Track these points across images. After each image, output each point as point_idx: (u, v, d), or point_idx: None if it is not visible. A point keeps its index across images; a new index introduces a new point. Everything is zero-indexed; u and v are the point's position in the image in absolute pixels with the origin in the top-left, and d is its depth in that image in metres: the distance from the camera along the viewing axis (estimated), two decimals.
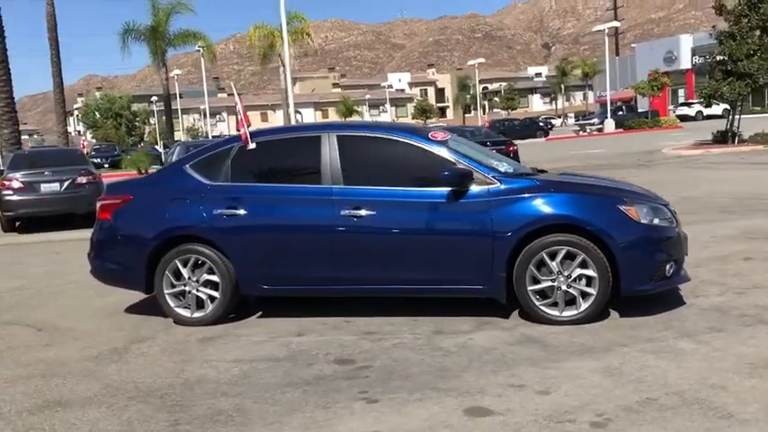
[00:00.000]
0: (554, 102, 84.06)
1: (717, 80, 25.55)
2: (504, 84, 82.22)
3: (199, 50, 33.94)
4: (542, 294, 5.32)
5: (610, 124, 43.81)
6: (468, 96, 79.57)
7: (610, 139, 38.19)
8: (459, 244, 5.39)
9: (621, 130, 43.40)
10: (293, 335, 5.50)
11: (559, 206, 5.30)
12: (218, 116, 78.64)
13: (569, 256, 5.23)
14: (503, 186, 5.39)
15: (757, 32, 24.88)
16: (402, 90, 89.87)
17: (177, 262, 5.88)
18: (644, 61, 63.60)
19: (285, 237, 5.71)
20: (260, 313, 6.17)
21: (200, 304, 5.91)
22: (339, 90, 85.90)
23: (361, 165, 5.76)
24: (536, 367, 4.44)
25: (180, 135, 61.27)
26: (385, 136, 5.82)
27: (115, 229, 6.10)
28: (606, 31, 44.66)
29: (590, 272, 5.19)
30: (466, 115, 79.38)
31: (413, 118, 76.38)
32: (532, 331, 5.18)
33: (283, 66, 32.81)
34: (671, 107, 56.63)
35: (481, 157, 5.76)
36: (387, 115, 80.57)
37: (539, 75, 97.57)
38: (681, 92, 62.74)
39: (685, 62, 60.97)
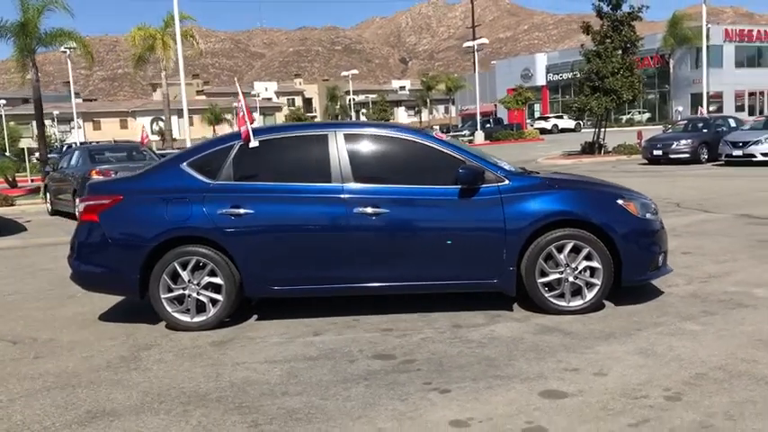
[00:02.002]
0: (418, 114, 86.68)
1: (586, 95, 27.58)
2: (372, 95, 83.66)
3: (65, 52, 31.89)
4: (549, 286, 5.61)
5: (480, 136, 45.87)
6: (338, 107, 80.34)
7: (483, 150, 39.86)
8: (474, 240, 5.57)
9: (489, 141, 45.55)
10: (309, 335, 5.43)
11: (566, 202, 5.63)
12: (72, 123, 73.83)
13: (575, 249, 5.57)
14: (512, 184, 5.64)
15: (619, 52, 27.17)
16: (269, 99, 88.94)
17: (176, 264, 5.62)
18: (503, 77, 67.28)
19: (296, 236, 5.62)
20: (255, 316, 6.01)
21: (200, 308, 5.68)
22: (204, 97, 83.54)
23: (369, 163, 5.79)
24: (573, 353, 4.70)
25: (31, 142, 56.95)
26: (392, 135, 5.89)
27: (104, 231, 5.72)
28: (476, 47, 46.67)
29: (595, 264, 5.55)
30: None
31: None
32: (546, 321, 5.45)
33: (164, 70, 31.57)
34: (529, 121, 60.16)
35: (485, 156, 5.98)
36: (255, 124, 79.32)
37: (402, 88, 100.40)
38: (537, 107, 66.88)
39: (540, 79, 65.13)
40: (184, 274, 5.62)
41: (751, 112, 53.05)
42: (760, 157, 20.27)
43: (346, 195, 5.59)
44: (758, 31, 57.80)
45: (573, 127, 56.61)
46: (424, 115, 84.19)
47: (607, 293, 5.64)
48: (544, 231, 5.55)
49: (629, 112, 58.05)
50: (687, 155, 22.60)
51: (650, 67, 57.37)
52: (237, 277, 5.64)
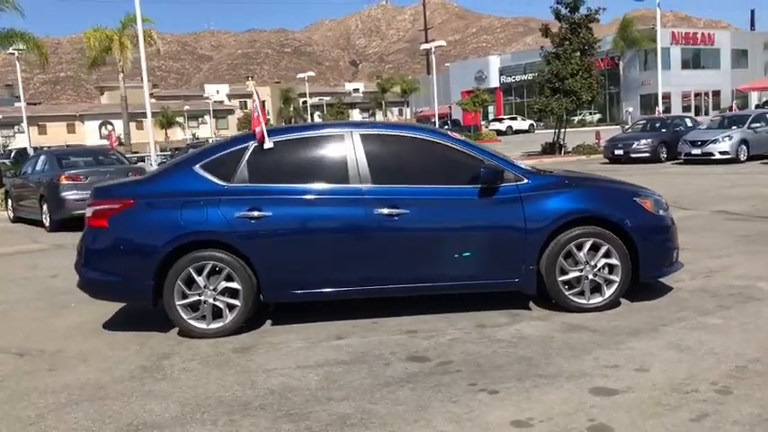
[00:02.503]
0: (373, 117, 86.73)
1: (546, 96, 27.99)
2: (326, 98, 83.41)
3: (13, 53, 30.82)
4: (569, 284, 5.64)
5: None
6: (292, 109, 79.78)
7: None
8: (496, 239, 5.56)
9: None
10: (333, 338, 5.34)
11: (585, 200, 5.67)
12: (16, 127, 71.43)
13: (593, 247, 5.61)
14: (531, 182, 5.66)
15: (578, 54, 27.68)
16: (221, 102, 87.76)
17: (191, 270, 5.45)
18: (457, 79, 67.85)
19: (316, 238, 5.52)
20: (270, 322, 5.88)
21: (216, 314, 5.53)
22: (154, 100, 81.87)
23: (387, 163, 5.73)
24: (608, 350, 4.73)
25: None
26: (409, 134, 5.85)
27: (114, 236, 5.51)
28: (432, 49, 46.89)
29: (613, 261, 5.60)
30: None
31: (238, 129, 74.88)
32: (569, 319, 5.48)
33: (122, 72, 30.83)
34: (483, 122, 60.77)
35: (501, 154, 5.97)
36: (207, 127, 78.22)
37: (356, 90, 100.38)
38: (490, 108, 67.60)
39: (494, 81, 65.88)
40: (200, 280, 5.46)
41: (697, 113, 54.72)
42: (718, 156, 20.91)
43: (366, 196, 5.51)
44: (702, 33, 59.71)
45: (527, 128, 57.45)
46: (379, 117, 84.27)
47: (625, 290, 5.69)
48: (564, 230, 5.58)
49: (580, 113, 59.06)
50: (647, 154, 23.16)
51: (601, 68, 58.59)
52: (255, 282, 5.51)
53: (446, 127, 48.76)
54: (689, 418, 3.58)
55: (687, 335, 4.93)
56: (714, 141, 21.13)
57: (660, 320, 5.31)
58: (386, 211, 5.47)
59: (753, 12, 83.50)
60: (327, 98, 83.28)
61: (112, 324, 6.15)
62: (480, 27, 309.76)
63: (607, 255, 5.60)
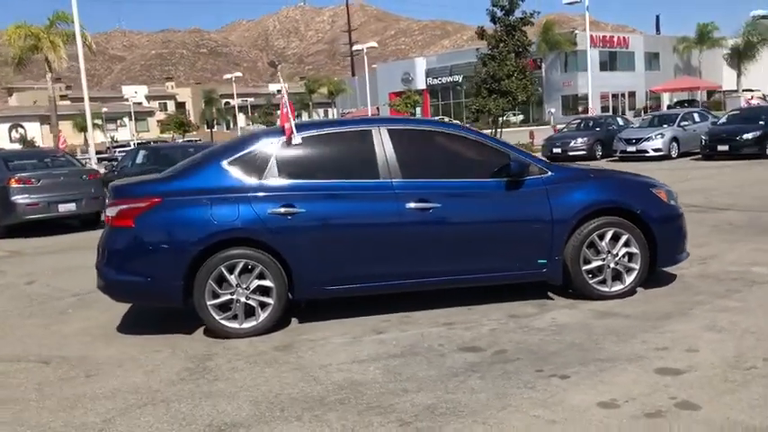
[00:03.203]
0: (298, 118, 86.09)
1: (483, 97, 28.59)
2: (250, 99, 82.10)
3: None
4: (592, 273, 5.83)
5: None
6: (216, 111, 78.19)
7: None
8: (524, 231, 5.69)
9: None
10: (372, 333, 5.33)
11: (607, 192, 5.88)
12: None
13: (614, 237, 5.82)
14: (554, 175, 5.81)
15: (513, 56, 28.43)
16: (140, 103, 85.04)
17: (222, 269, 5.33)
18: (384, 81, 68.22)
19: (349, 234, 5.50)
20: (296, 320, 5.81)
21: (247, 314, 5.43)
22: (68, 102, 78.50)
23: (415, 158, 5.76)
24: (649, 333, 4.92)
25: None
26: (435, 129, 5.92)
27: (141, 236, 5.32)
28: (365, 50, 47.03)
29: (633, 249, 5.82)
30: (212, 130, 77.83)
31: (161, 132, 72.84)
32: (595, 307, 5.65)
33: (51, 72, 29.51)
34: None
35: (520, 149, 6.11)
36: (126, 130, 75.65)
37: (279, 92, 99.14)
38: (417, 110, 68.39)
39: (421, 83, 66.62)
40: (232, 279, 5.35)
41: (614, 113, 57.05)
42: (651, 153, 21.91)
43: (397, 191, 5.54)
44: (617, 37, 62.33)
45: None
46: (305, 118, 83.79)
47: (644, 278, 5.93)
48: (587, 220, 5.76)
49: (504, 114, 60.55)
50: (584, 152, 24.02)
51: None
52: (287, 279, 5.44)
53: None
54: (761, 394, 3.78)
55: (716, 317, 5.19)
56: (648, 139, 22.13)
57: (683, 305, 5.56)
58: (417, 205, 5.51)
59: (658, 17, 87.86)
60: (251, 99, 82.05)
61: (126, 328, 5.92)
62: (399, 29, 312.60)
63: (627, 244, 5.82)
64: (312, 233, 5.43)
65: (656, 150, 21.86)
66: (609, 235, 5.79)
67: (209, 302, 5.34)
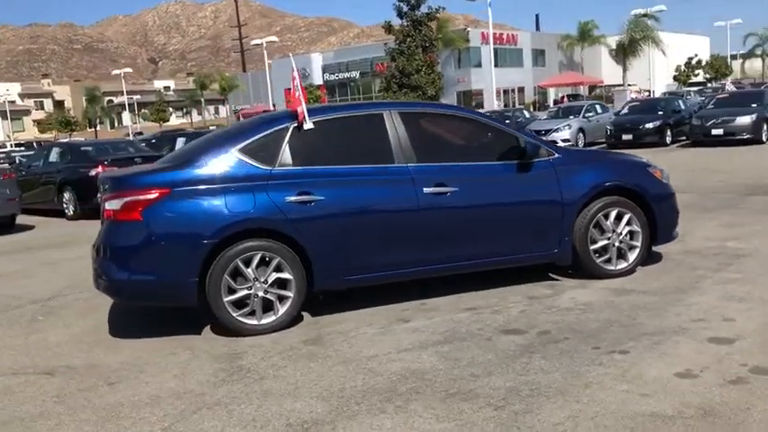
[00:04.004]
0: (188, 115, 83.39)
1: (394, 92, 28.80)
2: (136, 96, 78.63)
3: None
4: (598, 252, 5.93)
5: None
6: (100, 109, 74.32)
7: None
8: (537, 213, 5.70)
9: None
10: (399, 322, 5.18)
11: (611, 172, 6.00)
12: None
13: (617, 216, 5.94)
14: (560, 157, 5.87)
15: (420, 50, 28.82)
16: (13, 102, 79.46)
17: (239, 262, 5.01)
18: (279, 77, 67.16)
19: (368, 221, 5.31)
20: (308, 314, 5.55)
21: (265, 309, 5.13)
22: None
23: (428, 141, 5.67)
24: (676, 306, 5.05)
25: None
26: (446, 112, 5.83)
27: (150, 230, 4.89)
28: (265, 45, 46.14)
29: (635, 227, 5.98)
30: (96, 129, 74.00)
31: (40, 132, 68.31)
32: (606, 285, 5.74)
33: None
34: None
35: (525, 131, 6.12)
36: (1, 129, 70.49)
37: (167, 88, 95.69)
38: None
39: (317, 78, 66.14)
40: (249, 272, 5.04)
41: (506, 107, 59.02)
42: (561, 144, 22.78)
43: (413, 175, 5.40)
44: (507, 34, 64.44)
45: None
46: (195, 117, 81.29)
47: (645, 256, 6.10)
48: (592, 201, 5.86)
49: None
50: None
51: None
52: (305, 270, 5.18)
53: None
54: None
55: (726, 288, 5.40)
56: (556, 130, 23.01)
57: (687, 279, 5.76)
58: (434, 189, 5.41)
59: (537, 16, 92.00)
60: (138, 97, 78.63)
61: (121, 332, 5.47)
62: (284, 26, 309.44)
63: (629, 222, 5.96)
64: (331, 221, 5.20)
65: (564, 141, 22.70)
66: (613, 214, 5.91)
67: (225, 299, 5.00)
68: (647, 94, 46.20)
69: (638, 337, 4.45)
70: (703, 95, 32.49)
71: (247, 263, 5.04)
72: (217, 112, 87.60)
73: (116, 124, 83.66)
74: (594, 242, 5.89)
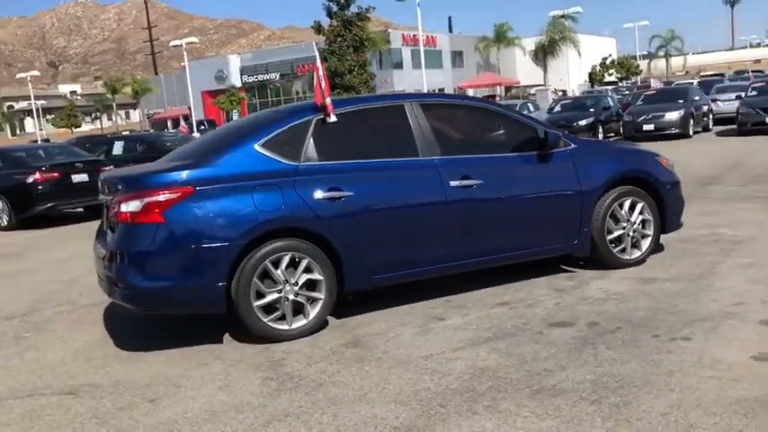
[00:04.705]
0: (97, 120, 79.98)
1: None
2: (40, 101, 74.53)
3: None
4: (614, 242, 5.92)
5: None
6: (0, 115, 70.19)
7: None
8: (559, 204, 5.64)
9: None
10: (434, 321, 4.98)
11: (625, 162, 6.01)
12: None
13: (631, 205, 5.96)
14: (577, 147, 5.83)
15: (351, 50, 28.65)
16: None
17: (268, 263, 4.70)
18: (196, 79, 65.45)
19: (398, 216, 5.10)
20: (331, 317, 5.28)
21: (295, 312, 4.84)
22: None
23: (450, 133, 5.51)
24: (708, 292, 5.08)
25: None
26: (466, 103, 5.72)
27: (173, 232, 4.50)
28: (184, 46, 44.73)
29: (647, 216, 6.00)
30: None
31: None
32: (627, 274, 5.73)
33: None
34: (228, 123, 59.60)
35: (542, 122, 6.04)
36: None
37: (74, 93, 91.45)
38: (235, 113, 66.48)
39: (236, 80, 64.80)
40: (278, 274, 4.73)
41: None
42: None
43: (439, 168, 5.23)
44: (427, 36, 65.05)
45: None
46: (105, 122, 78.05)
47: (656, 244, 6.14)
48: (607, 190, 5.85)
49: None
50: None
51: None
52: (334, 270, 4.92)
53: (202, 127, 47.10)
54: None
55: (746, 273, 5.48)
56: None
57: (703, 266, 5.82)
58: (460, 182, 5.25)
59: (450, 18, 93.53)
60: (42, 102, 74.72)
61: (130, 345, 5.02)
62: (193, 28, 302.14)
63: (642, 211, 5.99)
64: (361, 218, 4.96)
65: None
66: (627, 204, 5.92)
67: (255, 304, 4.68)
68: (561, 93, 47.64)
69: (691, 324, 4.43)
70: (619, 94, 33.70)
71: (276, 264, 4.73)
72: (128, 116, 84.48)
73: (18, 131, 79.31)
74: (610, 232, 5.87)
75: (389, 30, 58.96)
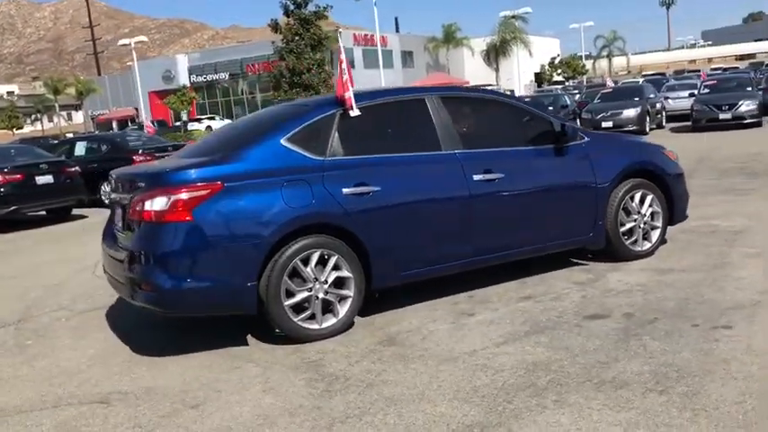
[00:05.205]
0: (38, 122, 77.33)
1: (285, 91, 28.14)
2: None
3: None
4: (625, 234, 5.95)
5: None
6: None
7: None
8: (578, 196, 5.63)
9: None
10: (464, 316, 4.91)
11: (636, 154, 6.05)
12: None
13: (642, 197, 6.00)
14: (590, 140, 5.84)
15: (309, 49, 28.38)
16: None
17: (298, 261, 4.55)
18: (143, 79, 63.97)
19: (424, 211, 5.00)
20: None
21: (324, 311, 4.70)
22: None
23: (470, 127, 5.44)
24: (729, 281, 5.13)
25: None
26: (484, 97, 5.65)
27: (203, 230, 4.30)
28: (133, 45, 43.53)
29: (656, 208, 6.06)
30: None
31: None
32: (640, 266, 5.77)
33: None
34: (178, 123, 58.45)
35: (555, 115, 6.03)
36: None
37: (11, 93, 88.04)
38: (183, 113, 65.11)
39: (184, 80, 63.52)
40: (308, 272, 4.59)
41: None
42: None
43: (462, 162, 5.17)
44: (380, 36, 65.06)
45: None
46: (47, 124, 75.55)
47: (664, 235, 6.21)
48: (620, 183, 5.88)
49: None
50: None
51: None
52: (362, 267, 4.80)
53: (131, 128, 45.91)
54: None
55: (760, 262, 5.58)
56: None
57: (712, 256, 5.90)
58: (483, 176, 5.20)
59: (396, 19, 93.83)
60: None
61: (147, 351, 4.79)
62: (134, 27, 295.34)
63: (651, 203, 6.04)
64: (388, 213, 4.85)
65: None
66: (638, 196, 5.96)
67: (285, 303, 4.52)
68: (509, 93, 48.32)
69: (725, 313, 4.47)
70: (567, 93, 34.31)
71: (305, 262, 4.59)
72: (70, 118, 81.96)
73: None
74: (622, 224, 5.90)
75: (341, 29, 58.65)
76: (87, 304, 6.26)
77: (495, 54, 52.16)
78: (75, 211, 13.61)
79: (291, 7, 27.92)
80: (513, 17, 50.56)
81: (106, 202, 5.27)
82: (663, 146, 6.43)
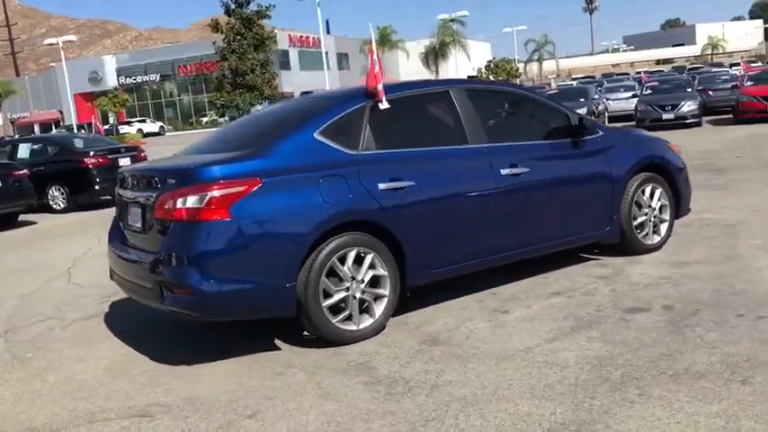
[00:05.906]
0: None
1: (228, 92, 27.52)
2: None
3: None
4: (637, 228, 5.97)
5: None
6: None
7: None
8: (597, 190, 5.61)
9: None
10: (500, 312, 4.80)
11: (646, 148, 6.08)
12: None
13: (651, 191, 6.04)
14: (604, 134, 5.83)
15: (252, 49, 27.86)
16: None
17: (335, 260, 4.34)
18: (70, 80, 61.55)
19: (457, 207, 4.86)
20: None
21: (361, 310, 4.50)
22: None
23: (494, 120, 5.35)
24: (750, 272, 5.21)
25: None
26: (505, 90, 5.55)
27: (242, 229, 4.03)
28: (60, 44, 41.70)
29: (665, 202, 6.11)
30: None
31: None
32: (653, 259, 5.82)
33: None
34: (106, 126, 56.53)
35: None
36: None
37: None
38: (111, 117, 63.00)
39: (111, 81, 61.52)
40: (345, 271, 4.38)
41: None
42: None
43: (490, 156, 5.06)
44: (313, 38, 64.57)
45: (157, 131, 55.28)
46: None
47: (672, 228, 6.26)
48: (632, 177, 5.89)
49: (209, 113, 58.74)
50: None
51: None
52: (396, 265, 4.63)
53: (82, 131, 44.25)
54: None
55: (766, 255, 5.70)
56: None
57: (719, 249, 5.98)
58: (510, 170, 5.11)
59: (327, 21, 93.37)
60: None
61: (166, 358, 4.48)
62: (51, 27, 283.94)
63: (660, 197, 6.09)
64: (422, 208, 4.69)
65: None
66: (648, 190, 6.00)
67: (323, 304, 4.30)
68: None
69: (763, 303, 4.51)
70: None
71: (342, 260, 4.38)
72: None
73: None
74: (635, 218, 5.92)
75: (276, 30, 58.00)
76: (78, 313, 5.84)
77: (434, 56, 52.56)
78: (22, 217, 12.85)
79: (233, 6, 27.32)
80: (452, 20, 51.13)
81: (116, 199, 4.91)
82: (667, 140, 6.49)
